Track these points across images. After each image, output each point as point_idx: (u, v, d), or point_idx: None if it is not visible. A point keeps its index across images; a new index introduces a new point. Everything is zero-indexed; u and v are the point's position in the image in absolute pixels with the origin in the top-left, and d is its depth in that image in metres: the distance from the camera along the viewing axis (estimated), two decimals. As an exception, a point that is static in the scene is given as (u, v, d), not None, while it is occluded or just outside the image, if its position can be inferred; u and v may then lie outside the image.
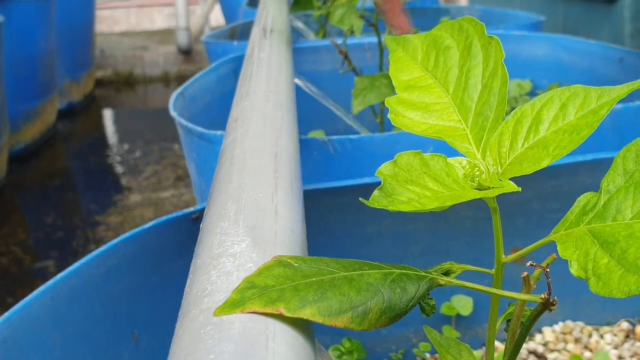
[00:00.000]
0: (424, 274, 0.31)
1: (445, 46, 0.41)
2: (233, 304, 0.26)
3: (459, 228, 0.66)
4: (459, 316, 0.67)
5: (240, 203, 0.36)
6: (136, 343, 0.51)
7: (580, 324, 0.68)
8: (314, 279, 0.28)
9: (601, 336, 0.67)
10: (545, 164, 0.32)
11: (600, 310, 0.68)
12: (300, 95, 0.93)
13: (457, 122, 0.38)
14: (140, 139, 2.33)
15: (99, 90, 3.07)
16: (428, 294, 0.36)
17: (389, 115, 0.40)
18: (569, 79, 1.15)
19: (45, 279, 0.45)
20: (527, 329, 0.34)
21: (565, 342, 0.66)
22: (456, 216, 0.66)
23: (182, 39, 3.28)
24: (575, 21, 1.90)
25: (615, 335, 0.66)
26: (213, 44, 1.28)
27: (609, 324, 0.68)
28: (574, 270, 0.30)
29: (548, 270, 0.32)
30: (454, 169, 0.34)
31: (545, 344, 0.66)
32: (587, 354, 0.64)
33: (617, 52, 1.06)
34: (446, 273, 0.36)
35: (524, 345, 0.67)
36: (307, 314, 0.26)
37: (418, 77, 0.41)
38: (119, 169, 2.07)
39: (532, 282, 0.34)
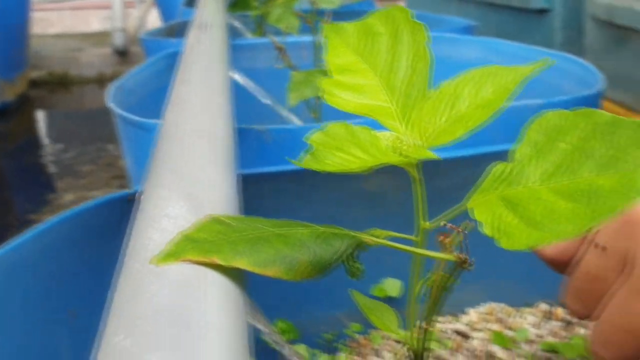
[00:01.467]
0: (350, 233, 0.33)
1: (376, 32, 0.44)
2: (170, 254, 0.28)
3: (391, 214, 0.69)
4: (389, 298, 0.69)
5: (177, 174, 0.38)
6: (74, 319, 0.53)
7: (503, 305, 0.72)
8: (247, 234, 0.30)
9: (522, 316, 0.70)
10: (460, 134, 0.35)
11: (522, 293, 0.72)
12: (237, 91, 0.95)
13: (385, 102, 0.41)
14: (75, 139, 2.31)
15: (33, 90, 3.02)
16: (355, 257, 0.38)
17: (323, 95, 0.43)
18: (497, 79, 1.20)
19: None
20: (444, 287, 0.37)
21: (489, 322, 0.70)
22: (389, 202, 0.69)
23: (118, 40, 3.26)
24: (508, 30, 1.97)
25: (535, 315, 0.70)
26: (150, 41, 1.28)
27: (529, 305, 0.72)
28: (486, 230, 0.33)
29: (462, 230, 0.35)
30: (379, 139, 0.36)
31: (470, 324, 0.70)
32: (509, 332, 0.68)
33: (542, 55, 1.10)
34: (372, 239, 0.38)
35: (450, 326, 0.70)
36: (239, 263, 0.28)
37: (351, 61, 0.44)
38: (54, 168, 2.05)
39: (448, 244, 0.37)
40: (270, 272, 0.29)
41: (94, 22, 4.15)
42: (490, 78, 0.37)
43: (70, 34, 3.99)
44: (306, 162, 0.33)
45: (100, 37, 3.79)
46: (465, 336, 0.69)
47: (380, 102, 0.41)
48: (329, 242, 0.31)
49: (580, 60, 0.99)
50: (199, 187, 0.36)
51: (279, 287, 0.67)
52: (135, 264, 0.29)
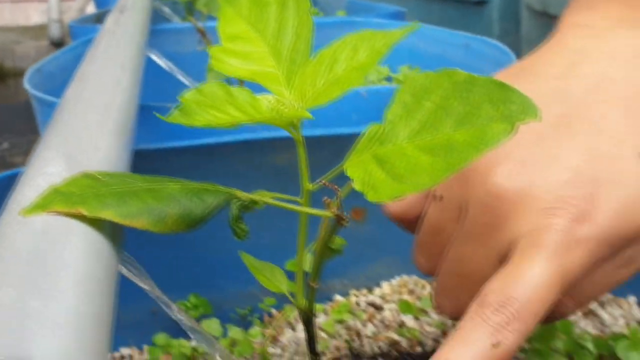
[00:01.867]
0: (223, 189, 0.34)
1: (266, 2, 0.45)
2: (37, 206, 0.29)
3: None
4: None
5: (63, 139, 0.38)
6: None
7: (415, 277, 0.74)
8: (116, 188, 0.31)
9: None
10: (336, 95, 0.37)
11: (433, 265, 0.74)
12: (158, 72, 0.95)
13: (272, 67, 0.42)
14: (8, 131, 2.27)
15: (-34, 83, 2.96)
16: (241, 219, 0.39)
17: (211, 62, 0.44)
18: (422, 63, 1.22)
19: None
20: (326, 244, 0.39)
21: (401, 293, 0.72)
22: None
23: (54, 32, 3.21)
24: (449, 21, 1.99)
25: (445, 286, 0.72)
26: (78, 28, 1.28)
27: (439, 277, 0.74)
28: (357, 185, 0.34)
29: (337, 188, 0.36)
30: (258, 101, 0.38)
31: (383, 297, 0.72)
32: (420, 303, 0.70)
33: (463, 39, 1.13)
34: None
35: (364, 299, 0.72)
36: (105, 214, 0.29)
37: (243, 30, 0.45)
38: (-14, 160, 2.02)
39: (331, 204, 0.38)
40: (137, 223, 0.30)
41: (34, 15, 4.08)
42: (365, 42, 0.38)
43: (9, 27, 3.91)
44: (174, 117, 0.34)
45: (39, 30, 3.73)
46: (378, 308, 0.70)
47: (267, 68, 0.42)
48: (201, 197, 0.33)
49: (499, 44, 1.02)
50: (81, 149, 0.37)
51: (193, 262, 0.68)
52: (5, 217, 0.29)
